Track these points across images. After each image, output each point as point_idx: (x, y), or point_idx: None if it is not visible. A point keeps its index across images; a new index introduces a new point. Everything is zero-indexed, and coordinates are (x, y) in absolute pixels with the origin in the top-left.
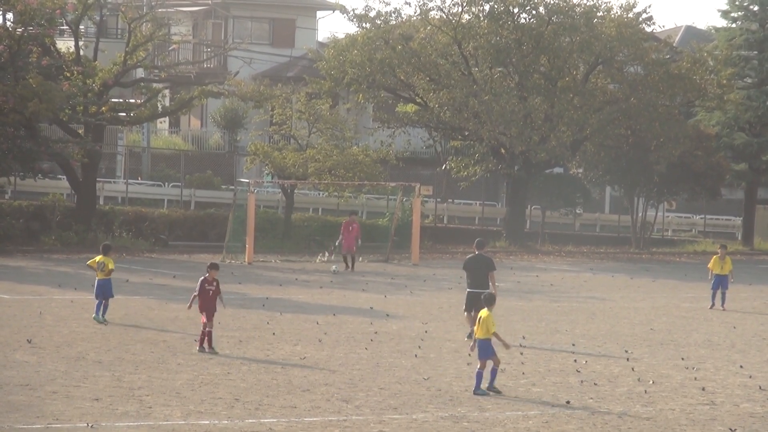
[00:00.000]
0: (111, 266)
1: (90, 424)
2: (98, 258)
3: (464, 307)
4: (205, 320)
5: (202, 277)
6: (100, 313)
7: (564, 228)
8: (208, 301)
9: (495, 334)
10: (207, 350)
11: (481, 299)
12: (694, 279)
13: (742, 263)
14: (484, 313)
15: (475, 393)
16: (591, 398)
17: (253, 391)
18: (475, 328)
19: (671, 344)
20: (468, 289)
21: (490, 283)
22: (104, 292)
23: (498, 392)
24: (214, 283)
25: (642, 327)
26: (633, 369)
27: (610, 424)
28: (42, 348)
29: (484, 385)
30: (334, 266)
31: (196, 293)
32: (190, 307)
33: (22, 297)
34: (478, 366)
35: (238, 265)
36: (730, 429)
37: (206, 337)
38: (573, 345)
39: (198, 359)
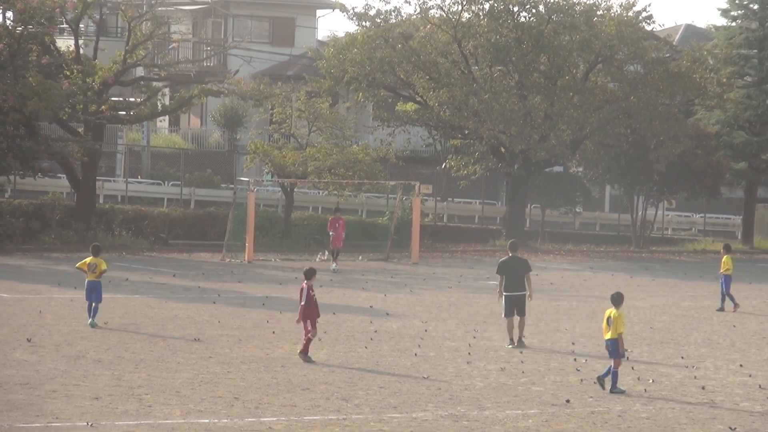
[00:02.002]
0: (103, 267)
1: (90, 423)
2: (88, 259)
3: (504, 312)
4: (309, 328)
5: (304, 284)
6: (94, 317)
7: (564, 227)
8: (311, 306)
9: (620, 335)
10: (299, 354)
11: (610, 299)
12: (693, 278)
13: (742, 262)
14: (614, 312)
15: (611, 392)
16: (591, 397)
17: (252, 390)
18: (603, 326)
19: (671, 343)
20: (506, 293)
21: (527, 285)
22: (94, 295)
23: (621, 391)
24: (314, 289)
25: (642, 326)
26: (633, 368)
27: (609, 422)
28: (42, 347)
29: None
30: (333, 265)
31: (303, 303)
32: (299, 320)
33: (21, 296)
34: (612, 365)
35: (237, 264)
36: (730, 428)
37: (306, 344)
38: (573, 344)
39: (198, 358)
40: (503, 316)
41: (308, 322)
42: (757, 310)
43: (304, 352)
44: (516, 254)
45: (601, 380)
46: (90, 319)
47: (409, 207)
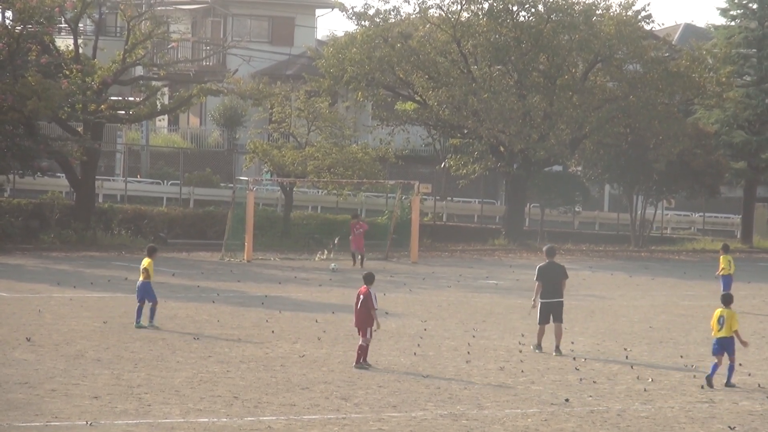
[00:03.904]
0: (144, 265)
1: (89, 422)
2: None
3: (538, 319)
4: (368, 335)
5: (370, 291)
6: (141, 319)
7: (563, 226)
8: (368, 312)
9: (736, 332)
10: (364, 365)
11: (721, 300)
12: (693, 277)
13: (741, 261)
14: (726, 312)
15: (728, 385)
16: (590, 396)
17: (252, 389)
18: (713, 324)
19: (670, 342)
20: (542, 300)
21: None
22: (142, 295)
23: (733, 386)
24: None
25: (641, 325)
26: (632, 367)
27: (609, 422)
28: (41, 346)
29: (721, 380)
30: (332, 264)
31: (376, 308)
32: (376, 325)
33: (21, 295)
34: (716, 361)
35: (237, 263)
36: (729, 427)
37: (363, 352)
38: (572, 343)
39: (197, 357)
40: (537, 323)
41: (367, 329)
42: (756, 310)
43: (363, 360)
44: (553, 260)
45: (729, 383)
46: (136, 321)
47: (408, 206)
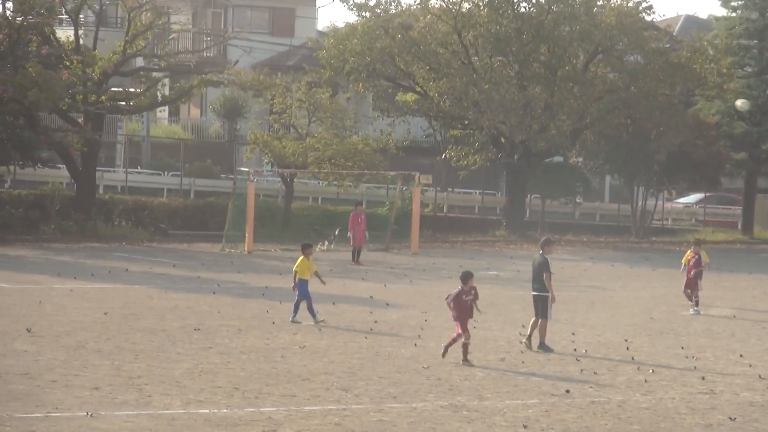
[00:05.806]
0: (295, 266)
1: (89, 413)
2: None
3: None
4: (460, 330)
5: (458, 290)
6: (296, 315)
7: (564, 217)
8: (465, 310)
9: None
10: (462, 362)
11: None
12: None
13: (742, 252)
14: None
15: None
16: (591, 387)
17: (252, 380)
18: None
19: (671, 333)
20: (532, 292)
21: (547, 285)
22: (298, 293)
23: None
24: (472, 292)
25: (642, 316)
26: (633, 358)
27: (609, 413)
28: (41, 337)
29: None
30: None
31: (450, 304)
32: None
33: (21, 286)
34: None
35: (237, 254)
36: (730, 418)
37: (463, 349)
38: (573, 334)
39: (197, 348)
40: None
41: (459, 324)
42: (757, 300)
43: (464, 359)
44: (543, 252)
45: None
46: (292, 315)
47: (409, 197)
